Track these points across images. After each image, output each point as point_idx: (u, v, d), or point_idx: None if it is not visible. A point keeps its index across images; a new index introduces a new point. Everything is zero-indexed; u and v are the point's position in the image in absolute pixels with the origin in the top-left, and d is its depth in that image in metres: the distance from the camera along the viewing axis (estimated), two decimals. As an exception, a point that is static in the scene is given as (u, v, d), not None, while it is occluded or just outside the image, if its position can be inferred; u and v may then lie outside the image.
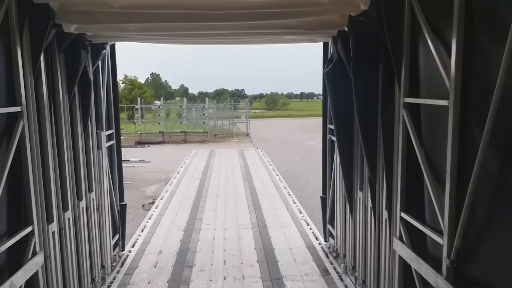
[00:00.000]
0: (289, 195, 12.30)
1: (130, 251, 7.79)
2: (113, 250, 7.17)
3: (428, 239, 3.76)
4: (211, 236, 8.64)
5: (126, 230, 8.01)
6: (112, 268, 6.98)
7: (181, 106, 38.09)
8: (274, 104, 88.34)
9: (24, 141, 4.01)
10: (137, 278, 6.62)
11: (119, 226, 7.49)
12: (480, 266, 2.98)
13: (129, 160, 21.33)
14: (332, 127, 6.70)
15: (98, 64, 6.20)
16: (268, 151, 22.63)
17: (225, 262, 7.24)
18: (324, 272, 6.73)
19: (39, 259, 4.21)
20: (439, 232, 3.40)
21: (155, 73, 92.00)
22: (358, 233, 5.91)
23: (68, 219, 5.12)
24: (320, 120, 8.10)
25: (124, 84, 56.12)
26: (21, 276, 3.84)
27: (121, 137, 8.21)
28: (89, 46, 5.63)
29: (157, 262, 7.26)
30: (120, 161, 7.62)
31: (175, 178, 15.48)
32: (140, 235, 8.74)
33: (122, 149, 8.07)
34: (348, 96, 5.22)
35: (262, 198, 11.92)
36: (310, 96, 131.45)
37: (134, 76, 59.79)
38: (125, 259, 7.40)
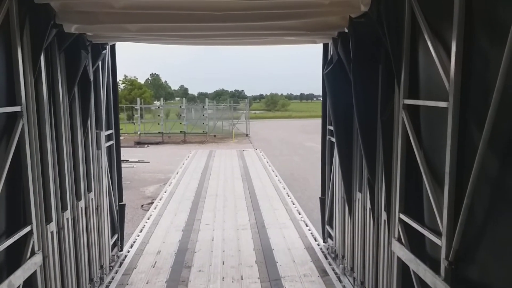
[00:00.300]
0: (288, 196, 12.30)
1: (128, 251, 7.79)
2: (112, 250, 7.17)
3: (426, 241, 3.77)
4: (210, 237, 8.64)
5: (124, 230, 8.00)
6: (111, 268, 6.98)
7: (180, 107, 38.09)
8: (273, 105, 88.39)
9: (23, 141, 4.01)
10: (135, 278, 6.62)
11: (117, 226, 7.49)
12: (478, 267, 2.98)
13: (128, 160, 21.33)
14: (331, 128, 6.71)
15: (98, 64, 6.21)
16: (267, 152, 22.64)
17: (223, 262, 7.24)
18: (323, 273, 6.74)
19: (37, 258, 4.21)
20: (438, 234, 3.40)
21: (155, 73, 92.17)
22: (357, 234, 5.91)
23: (67, 219, 5.11)
24: (319, 121, 8.11)
25: (124, 84, 56.14)
26: (20, 275, 3.84)
27: (121, 137, 8.20)
28: (89, 46, 5.64)
29: (156, 262, 7.26)
30: (119, 161, 7.62)
31: (174, 178, 15.48)
32: (138, 235, 8.74)
33: (122, 149, 8.07)
34: (348, 97, 5.23)
35: (261, 199, 11.93)
36: (309, 97, 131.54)
37: (134, 77, 59.88)
38: (123, 259, 7.40)
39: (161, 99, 47.81)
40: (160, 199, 12.16)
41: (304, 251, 7.74)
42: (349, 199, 6.11)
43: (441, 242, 3.29)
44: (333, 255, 7.30)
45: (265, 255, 7.58)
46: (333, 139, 6.59)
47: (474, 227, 2.95)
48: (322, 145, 7.79)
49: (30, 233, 4.12)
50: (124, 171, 8.26)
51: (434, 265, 3.48)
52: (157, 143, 32.42)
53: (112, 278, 6.64)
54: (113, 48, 7.13)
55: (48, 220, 4.53)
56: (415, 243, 4.00)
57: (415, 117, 3.96)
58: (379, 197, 4.96)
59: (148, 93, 56.91)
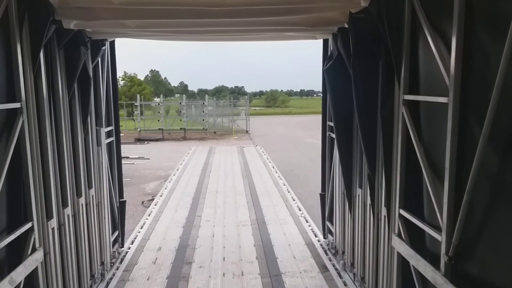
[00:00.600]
0: (289, 192, 12.32)
1: (129, 248, 7.81)
2: (113, 247, 7.18)
3: (426, 236, 3.78)
4: (211, 233, 8.65)
5: (125, 227, 8.01)
6: (112, 264, 7.00)
7: (180, 103, 38.04)
8: (273, 101, 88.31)
9: (23, 138, 4.01)
10: (136, 274, 6.64)
11: (118, 222, 7.50)
12: (478, 262, 2.99)
13: (128, 157, 21.33)
14: (331, 124, 6.71)
15: (98, 60, 6.19)
16: (267, 148, 22.64)
17: (224, 258, 7.26)
18: (323, 268, 6.76)
19: (38, 255, 4.22)
20: (438, 229, 3.41)
21: (155, 70, 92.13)
22: (357, 230, 5.92)
23: (68, 215, 5.12)
24: (319, 117, 8.11)
25: (123, 81, 56.05)
26: (21, 272, 3.85)
27: (121, 134, 8.20)
28: (88, 43, 5.62)
29: (157, 258, 7.28)
30: (119, 157, 7.62)
31: (174, 175, 15.49)
32: (139, 232, 8.76)
33: (122, 146, 8.07)
34: (348, 93, 5.22)
35: (261, 195, 11.94)
36: (310, 93, 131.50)
37: (134, 73, 59.74)
38: (124, 256, 7.42)
39: (161, 95, 47.68)
40: (161, 196, 12.18)
41: (304, 247, 7.76)
42: (349, 195, 6.12)
43: (441, 237, 3.29)
44: (333, 251, 7.32)
45: (266, 251, 7.60)
46: (333, 135, 6.59)
47: (474, 222, 2.95)
48: (322, 141, 7.79)
49: (31, 229, 4.13)
50: (124, 168, 8.28)
51: (434, 261, 3.49)
52: (157, 140, 32.41)
53: (113, 275, 6.66)
54: (112, 44, 7.12)
55: (49, 216, 4.54)
56: (415, 238, 4.01)
57: (415, 112, 3.96)
58: (379, 193, 4.97)
59: (148, 90, 56.84)
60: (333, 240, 7.38)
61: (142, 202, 13.71)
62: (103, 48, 6.30)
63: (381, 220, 4.93)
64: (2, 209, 3.77)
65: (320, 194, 8.15)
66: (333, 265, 6.86)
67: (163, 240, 8.23)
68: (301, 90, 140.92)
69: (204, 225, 9.24)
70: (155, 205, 11.14)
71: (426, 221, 3.79)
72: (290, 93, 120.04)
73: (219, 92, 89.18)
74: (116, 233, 7.44)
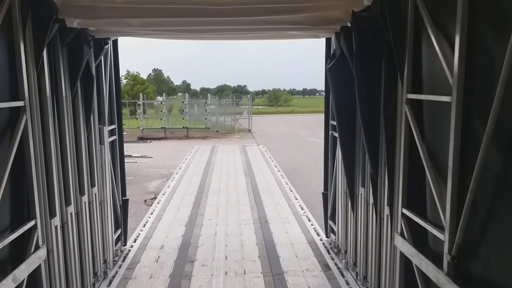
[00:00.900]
0: (291, 191, 12.32)
1: (132, 246, 7.83)
2: (115, 245, 7.20)
3: (429, 235, 3.77)
4: (213, 232, 8.67)
5: (128, 225, 8.03)
6: (114, 262, 7.02)
7: (183, 102, 38.12)
8: (276, 100, 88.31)
9: (27, 136, 4.02)
10: (139, 272, 6.66)
11: (121, 221, 7.52)
12: (481, 262, 2.98)
13: (131, 155, 21.39)
14: (334, 123, 6.69)
15: (101, 59, 6.21)
16: (270, 147, 22.65)
17: (226, 257, 7.27)
18: (325, 267, 6.76)
19: (41, 253, 4.24)
20: (441, 228, 3.40)
21: (157, 68, 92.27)
22: (360, 229, 5.92)
23: (71, 213, 5.14)
24: (322, 116, 8.10)
25: (126, 80, 56.11)
26: (24, 269, 3.86)
27: (123, 133, 8.22)
28: (91, 41, 5.64)
29: (159, 257, 7.29)
30: (122, 156, 7.63)
31: (177, 173, 15.52)
32: (142, 230, 8.78)
33: (124, 144, 8.09)
34: (351, 92, 5.21)
35: (263, 194, 11.95)
36: (312, 92, 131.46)
37: (137, 72, 59.86)
38: (127, 254, 7.44)
39: (164, 94, 47.78)
40: (163, 194, 12.20)
41: (306, 245, 7.76)
42: (351, 194, 6.11)
43: (444, 237, 3.29)
44: (335, 250, 7.31)
45: (268, 249, 7.60)
46: (336, 134, 6.58)
47: (477, 222, 2.94)
48: (325, 140, 7.78)
49: (34, 227, 4.14)
50: (127, 166, 8.30)
51: (436, 260, 3.48)
52: (159, 139, 32.47)
53: (116, 273, 6.68)
54: (115, 43, 7.13)
55: (52, 214, 4.56)
56: (418, 238, 4.00)
57: (418, 111, 3.95)
58: (381, 192, 4.96)
59: (150, 89, 56.90)
60: (335, 239, 7.38)
61: (145, 200, 13.75)
62: (106, 46, 6.31)
63: (383, 219, 4.92)
64: (5, 207, 3.78)
65: (322, 193, 8.14)
66: (336, 264, 6.86)
67: (165, 239, 8.25)
68: (303, 89, 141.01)
69: (206, 223, 9.26)
70: (158, 203, 11.16)
71: (429, 220, 3.78)
72: (292, 92, 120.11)
73: (221, 91, 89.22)
74: (119, 231, 7.46)
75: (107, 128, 6.62)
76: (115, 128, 7.18)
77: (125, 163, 7.99)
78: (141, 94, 38.34)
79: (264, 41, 7.94)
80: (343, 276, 6.44)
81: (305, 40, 7.42)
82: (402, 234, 4.27)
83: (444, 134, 3.30)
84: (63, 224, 4.91)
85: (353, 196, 6.09)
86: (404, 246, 4.18)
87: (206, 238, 8.27)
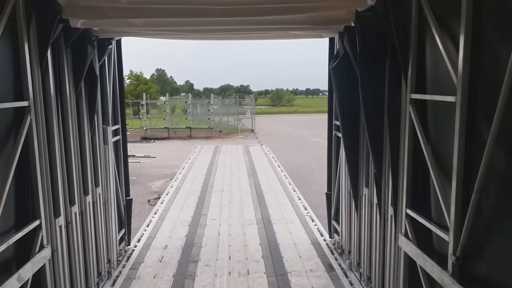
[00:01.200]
0: (294, 191, 12.30)
1: (135, 246, 7.84)
2: (119, 245, 7.22)
3: (433, 236, 3.76)
4: (216, 232, 8.67)
5: (132, 225, 8.05)
6: (118, 262, 7.04)
7: (186, 102, 38.18)
8: (279, 100, 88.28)
9: (31, 136, 4.04)
10: (142, 272, 6.67)
11: (125, 220, 7.54)
12: (486, 263, 2.97)
13: (134, 155, 21.43)
14: (337, 123, 6.68)
15: (105, 59, 6.22)
16: (273, 147, 22.63)
17: (230, 257, 7.27)
18: (329, 268, 6.74)
19: (46, 252, 4.25)
20: (445, 229, 3.39)
21: (161, 68, 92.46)
22: (363, 229, 5.90)
23: (75, 213, 5.16)
24: (325, 116, 8.08)
25: (129, 80, 56.27)
26: (29, 269, 3.88)
27: (127, 133, 8.23)
28: (95, 41, 5.65)
29: (163, 256, 7.30)
30: (126, 156, 7.65)
31: (180, 173, 15.53)
32: (145, 230, 8.80)
33: (128, 144, 8.11)
34: (354, 92, 5.20)
35: (267, 194, 11.94)
36: (315, 92, 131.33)
37: (140, 72, 59.99)
38: (131, 254, 7.46)
39: (167, 94, 47.87)
40: (167, 194, 12.21)
41: (310, 246, 7.75)
42: (355, 194, 6.10)
43: (449, 237, 3.27)
44: (339, 251, 7.30)
45: (271, 250, 7.60)
46: (340, 134, 6.57)
47: (482, 222, 2.93)
48: (329, 140, 7.76)
49: (39, 227, 4.16)
50: (130, 166, 8.30)
51: (441, 261, 3.47)
52: (163, 139, 32.53)
53: (120, 272, 6.70)
54: (119, 43, 7.14)
55: (57, 214, 4.57)
56: (422, 238, 3.99)
57: (423, 112, 3.94)
58: (385, 193, 4.95)
59: (153, 89, 57.05)
60: (339, 239, 7.36)
61: (148, 200, 13.77)
62: (110, 46, 6.33)
63: (387, 219, 4.90)
64: (10, 206, 3.79)
65: (326, 193, 8.13)
66: (339, 265, 6.84)
67: (169, 239, 8.26)
68: (306, 89, 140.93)
69: (210, 223, 9.26)
70: (161, 203, 11.18)
71: (433, 221, 3.77)
72: (295, 92, 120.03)
73: (224, 91, 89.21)
74: (123, 231, 7.48)
75: (111, 128, 6.63)
76: (118, 128, 7.20)
77: (129, 163, 8.01)
78: (144, 94, 38.44)
79: (267, 40, 7.94)
80: (346, 276, 6.43)
81: (308, 39, 7.39)
82: (406, 235, 4.25)
83: (448, 134, 3.29)
84: (68, 223, 4.92)
85: (357, 197, 6.07)
86: (408, 247, 4.17)
87: (209, 238, 8.28)
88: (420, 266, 3.89)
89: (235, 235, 8.47)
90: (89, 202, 5.70)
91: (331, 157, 7.70)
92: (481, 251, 2.99)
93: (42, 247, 4.20)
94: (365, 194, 5.79)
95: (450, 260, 3.24)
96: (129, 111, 38.45)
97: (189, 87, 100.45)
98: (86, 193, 5.60)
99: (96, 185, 6.03)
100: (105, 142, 6.39)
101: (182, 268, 6.83)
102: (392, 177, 4.59)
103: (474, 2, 2.92)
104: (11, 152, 3.76)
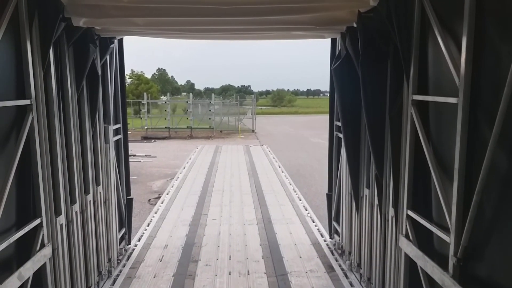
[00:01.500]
0: (295, 191, 12.30)
1: (136, 245, 7.84)
2: (120, 244, 7.22)
3: (434, 237, 3.75)
4: (217, 232, 8.67)
5: (132, 224, 8.05)
6: (118, 261, 7.04)
7: (187, 102, 38.16)
8: (280, 100, 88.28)
9: (33, 134, 4.04)
10: (143, 271, 6.67)
11: (125, 220, 7.54)
12: (487, 264, 2.97)
13: (135, 155, 21.43)
14: (339, 124, 6.68)
15: (106, 58, 6.22)
16: (273, 148, 22.62)
17: (230, 257, 7.27)
18: (329, 268, 6.74)
19: (47, 251, 4.26)
20: (446, 230, 3.39)
21: (162, 68, 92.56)
22: (364, 230, 5.90)
23: (76, 212, 5.16)
24: (326, 117, 8.08)
25: (130, 79, 56.34)
26: (29, 267, 3.88)
27: (128, 132, 8.23)
28: (97, 40, 5.65)
29: (163, 256, 7.30)
30: (127, 155, 7.65)
31: (181, 173, 15.53)
32: (146, 229, 8.80)
33: (129, 144, 8.10)
34: (356, 92, 5.20)
35: (267, 195, 11.94)
36: (316, 93, 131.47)
37: (141, 71, 60.10)
38: (131, 253, 7.46)
39: (168, 94, 47.90)
40: (167, 194, 12.22)
41: (310, 246, 7.75)
42: (356, 195, 6.09)
43: (450, 238, 3.27)
44: (339, 251, 7.30)
45: (272, 250, 7.60)
46: (341, 135, 6.57)
47: (483, 224, 2.93)
48: (330, 141, 7.76)
49: (39, 225, 4.16)
50: (131, 166, 8.30)
51: (442, 262, 3.46)
52: (163, 138, 32.53)
53: (120, 271, 6.70)
54: (121, 42, 7.15)
55: (58, 213, 4.58)
56: (423, 239, 3.99)
57: (424, 113, 3.93)
58: (386, 194, 4.94)
59: (154, 88, 57.12)
60: (339, 240, 7.36)
61: (149, 200, 13.77)
62: (112, 46, 6.33)
63: (388, 220, 4.90)
64: (11, 205, 3.80)
65: (326, 194, 8.13)
66: (340, 265, 6.84)
67: (169, 238, 8.26)
68: (307, 89, 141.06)
69: (210, 223, 9.26)
70: (162, 203, 11.18)
71: (434, 222, 3.77)
72: (296, 93, 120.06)
73: (225, 91, 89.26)
74: (123, 230, 7.48)
75: (112, 127, 6.64)
76: (120, 127, 7.20)
77: (129, 163, 8.01)
78: (145, 94, 38.45)
79: (269, 40, 7.93)
80: (347, 277, 6.42)
81: (310, 40, 7.39)
82: (407, 236, 4.25)
83: (450, 135, 3.29)
84: (68, 222, 4.93)
85: (358, 197, 6.07)
86: (409, 248, 4.16)
87: (209, 238, 8.28)
88: (420, 267, 3.89)
89: (236, 235, 8.47)
90: (90, 201, 5.70)
91: (332, 157, 7.70)
92: (482, 253, 2.99)
93: (43, 245, 4.20)
94: (366, 195, 5.79)
95: (451, 261, 3.24)
96: (130, 110, 38.45)
97: (190, 87, 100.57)
98: (87, 192, 5.60)
99: (97, 184, 6.03)
100: (106, 141, 6.40)
101: (182, 267, 6.83)
102: (393, 178, 4.59)
103: (476, 3, 2.92)
104: (12, 150, 3.77)
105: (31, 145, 4.05)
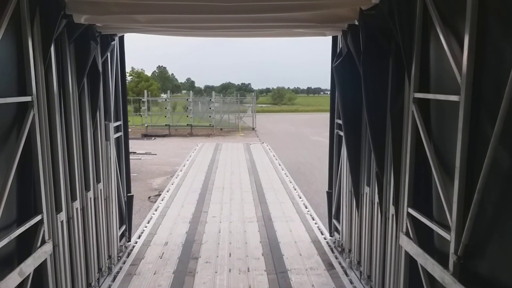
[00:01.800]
0: (295, 189, 12.31)
1: (136, 242, 7.86)
2: (120, 241, 7.23)
3: (435, 235, 3.76)
4: (217, 229, 8.68)
5: (132, 221, 8.06)
6: (119, 258, 7.05)
7: (187, 100, 38.15)
8: (280, 98, 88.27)
9: (34, 131, 4.05)
10: (143, 268, 6.68)
11: (125, 217, 7.55)
12: (488, 262, 2.97)
13: (135, 152, 21.44)
14: (339, 121, 6.68)
15: (107, 55, 6.22)
16: (273, 146, 22.63)
17: (230, 254, 7.28)
18: (329, 266, 6.75)
19: (47, 247, 4.26)
20: (447, 228, 3.39)
21: (162, 66, 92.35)
22: (364, 228, 5.90)
23: (76, 209, 5.17)
24: (326, 115, 8.08)
25: (131, 77, 56.29)
26: (30, 264, 3.89)
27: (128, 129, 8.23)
28: (98, 37, 5.65)
29: (163, 253, 7.32)
30: (127, 152, 7.65)
31: (181, 171, 15.55)
32: (146, 227, 8.81)
33: (129, 141, 8.10)
34: (357, 90, 5.20)
35: (267, 192, 11.95)
36: (316, 91, 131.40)
37: (141, 69, 60.06)
38: (131, 250, 7.47)
39: (168, 91, 47.88)
40: (167, 191, 12.23)
41: (310, 244, 7.76)
42: (356, 193, 6.10)
43: (450, 236, 3.27)
44: (339, 249, 7.31)
45: (272, 247, 7.61)
46: (341, 133, 6.56)
47: (484, 221, 2.93)
48: (330, 139, 7.76)
49: (40, 222, 4.17)
50: (131, 163, 8.31)
51: (442, 260, 3.47)
52: (164, 136, 32.55)
53: (120, 268, 6.71)
54: (121, 39, 7.14)
55: (58, 209, 4.58)
56: (423, 237, 3.99)
57: (425, 110, 3.93)
58: (387, 191, 4.95)
59: (155, 86, 57.08)
60: (339, 238, 7.37)
61: (149, 197, 13.79)
62: (113, 43, 6.32)
63: (389, 218, 4.91)
64: (12, 201, 3.80)
65: (327, 191, 8.14)
66: (340, 263, 6.85)
67: (169, 235, 8.27)
68: (308, 87, 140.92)
69: (210, 221, 9.27)
70: (162, 200, 11.19)
71: (434, 220, 3.77)
72: (297, 91, 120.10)
73: (225, 89, 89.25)
74: (124, 227, 7.49)
75: (112, 125, 6.63)
76: (120, 124, 7.20)
77: (130, 160, 8.01)
78: (145, 91, 38.42)
79: (270, 38, 7.91)
80: (347, 275, 6.44)
81: (310, 39, 7.37)
82: (407, 234, 4.25)
83: (451, 133, 3.28)
84: (69, 219, 4.93)
85: (358, 195, 6.07)
86: (409, 246, 4.17)
87: (210, 235, 8.29)
88: (421, 265, 3.90)
89: (236, 232, 8.48)
90: (90, 198, 5.71)
91: (332, 155, 7.69)
92: (482, 251, 2.99)
93: (43, 242, 4.21)
94: (366, 193, 5.79)
95: (452, 259, 3.24)
96: (130, 108, 38.48)
97: (190, 85, 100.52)
98: (87, 189, 5.61)
99: (98, 181, 6.04)
100: (107, 138, 6.40)
101: (182, 264, 6.84)
102: (394, 175, 4.59)
103: (479, 0, 2.92)
104: (13, 147, 3.77)
105: (32, 141, 4.05)
